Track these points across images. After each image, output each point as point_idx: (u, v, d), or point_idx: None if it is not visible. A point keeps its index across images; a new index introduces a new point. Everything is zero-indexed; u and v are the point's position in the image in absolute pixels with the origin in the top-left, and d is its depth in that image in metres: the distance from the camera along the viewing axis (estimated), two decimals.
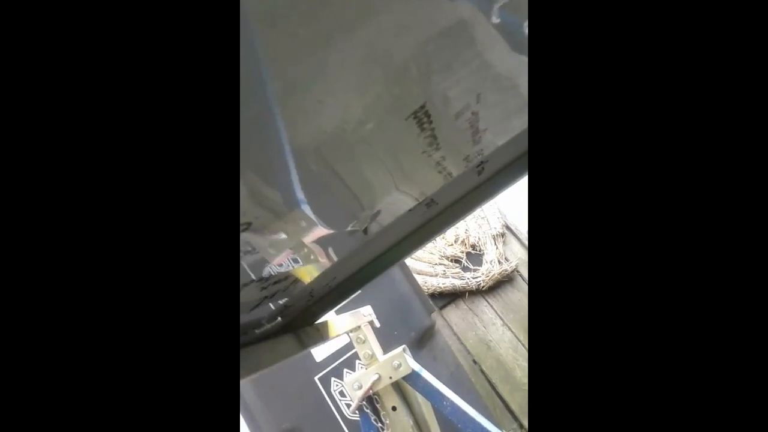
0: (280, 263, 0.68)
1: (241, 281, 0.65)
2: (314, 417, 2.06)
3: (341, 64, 0.47)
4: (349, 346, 2.09)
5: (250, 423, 2.05)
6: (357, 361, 2.11)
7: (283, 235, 0.58)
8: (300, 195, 0.57)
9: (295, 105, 0.48)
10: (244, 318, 0.85)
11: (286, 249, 0.64)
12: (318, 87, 0.47)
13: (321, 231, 0.62)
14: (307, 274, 0.81)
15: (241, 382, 0.76)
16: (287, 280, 0.76)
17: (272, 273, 0.70)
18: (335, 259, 0.79)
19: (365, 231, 0.79)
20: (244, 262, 0.60)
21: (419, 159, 0.70)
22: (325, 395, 2.13)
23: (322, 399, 2.11)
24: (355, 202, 0.69)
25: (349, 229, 0.77)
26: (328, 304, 1.08)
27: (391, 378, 1.52)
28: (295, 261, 0.72)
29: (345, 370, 2.13)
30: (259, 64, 0.39)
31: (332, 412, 2.07)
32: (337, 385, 2.18)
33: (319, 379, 2.14)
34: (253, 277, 0.65)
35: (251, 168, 0.48)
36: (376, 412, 1.55)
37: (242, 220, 0.50)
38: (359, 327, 1.43)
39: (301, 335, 1.03)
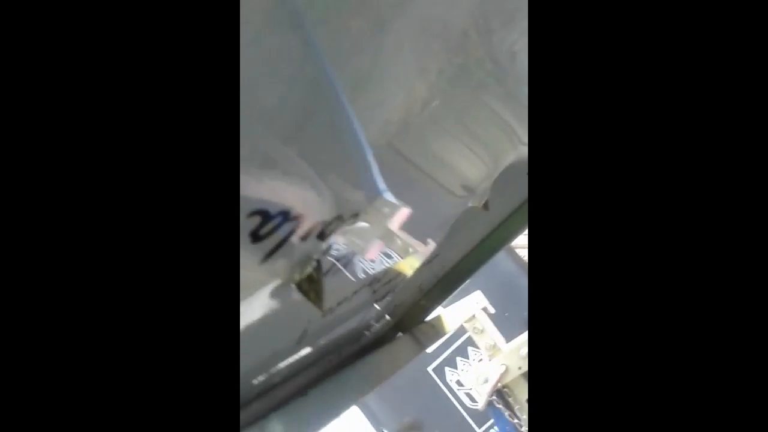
0: (373, 259, 0.67)
1: (348, 291, 0.66)
2: (434, 409, 2.03)
3: (398, 47, 0.46)
4: (458, 333, 2.04)
5: (371, 419, 2.09)
6: (470, 348, 2.05)
7: (369, 227, 0.58)
8: (381, 185, 0.56)
9: (361, 102, 0.48)
10: (354, 324, 0.86)
11: (376, 241, 0.64)
12: (381, 76, 0.46)
13: (406, 215, 0.61)
14: (409, 266, 0.81)
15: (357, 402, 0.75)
16: (392, 277, 0.76)
17: (376, 272, 0.70)
18: (434, 245, 0.78)
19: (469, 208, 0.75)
20: (348, 270, 0.61)
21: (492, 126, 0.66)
22: (441, 386, 2.10)
23: (438, 390, 2.08)
24: (436, 187, 0.68)
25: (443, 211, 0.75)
26: (439, 296, 1.05)
27: (520, 368, 1.40)
28: (390, 255, 0.72)
29: (458, 358, 2.08)
30: (323, 65, 0.40)
31: (452, 403, 2.03)
32: (452, 375, 2.13)
33: (433, 370, 2.11)
34: (363, 280, 0.65)
35: (335, 171, 0.49)
36: (508, 406, 1.44)
37: (329, 220, 0.49)
38: (473, 316, 1.37)
39: (417, 334, 1.01)
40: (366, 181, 0.54)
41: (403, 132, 0.55)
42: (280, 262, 0.46)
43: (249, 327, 0.48)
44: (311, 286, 0.51)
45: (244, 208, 0.37)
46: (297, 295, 0.50)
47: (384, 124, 0.51)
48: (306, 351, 0.70)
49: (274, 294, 0.50)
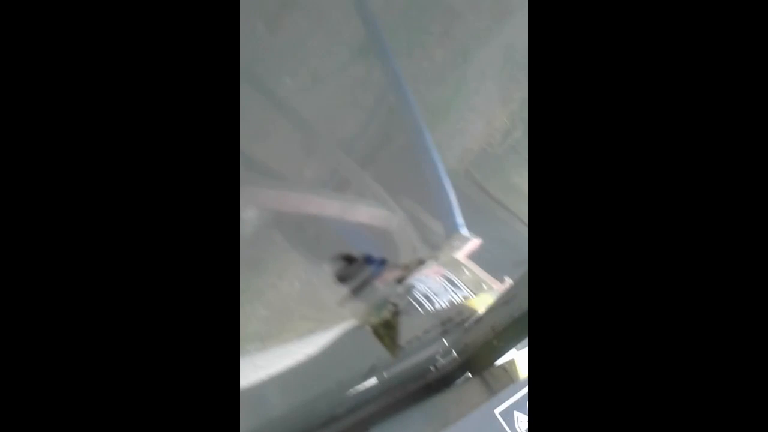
0: (447, 295, 0.64)
1: (424, 326, 0.60)
2: None
3: (481, 77, 0.45)
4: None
5: None
6: None
7: (445, 263, 0.54)
8: (459, 219, 0.53)
9: (441, 129, 0.47)
10: (420, 358, 0.81)
11: (451, 278, 0.60)
12: (461, 104, 0.46)
13: (476, 245, 0.56)
14: (482, 304, 0.76)
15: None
16: (465, 316, 0.71)
17: (448, 310, 0.66)
18: (511, 283, 0.72)
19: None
20: (422, 308, 0.55)
21: None
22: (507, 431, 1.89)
23: None
24: (516, 221, 0.63)
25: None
26: (513, 338, 0.95)
27: None
28: (461, 288, 0.68)
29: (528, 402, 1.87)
30: (405, 93, 0.41)
31: None
32: (521, 422, 1.93)
33: (500, 413, 1.93)
34: (435, 318, 0.59)
35: (411, 195, 0.48)
36: None
37: (402, 261, 0.46)
38: None
39: (488, 378, 0.91)
40: (445, 212, 0.50)
41: (482, 161, 0.53)
42: (359, 304, 0.43)
43: (320, 358, 0.46)
44: (387, 331, 0.47)
45: (331, 251, 0.35)
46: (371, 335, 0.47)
47: (463, 152, 0.50)
48: (371, 382, 0.66)
49: (350, 331, 0.47)
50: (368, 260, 0.36)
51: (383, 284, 0.40)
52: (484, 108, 0.44)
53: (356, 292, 0.36)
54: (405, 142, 0.39)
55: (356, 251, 0.40)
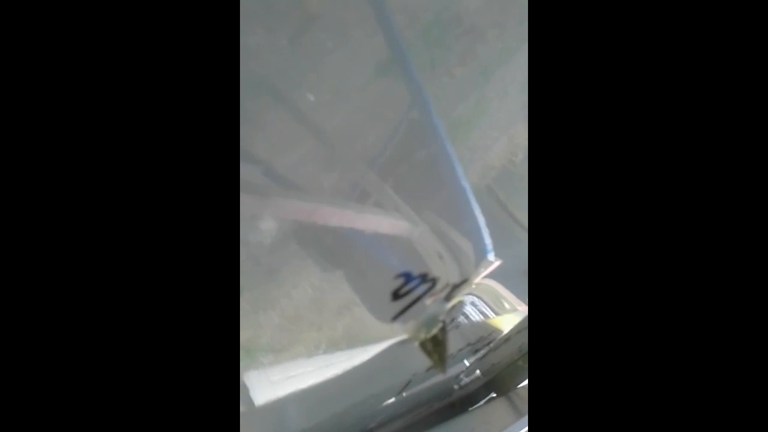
0: (477, 318, 0.64)
1: (459, 346, 0.63)
2: None
3: (503, 94, 0.45)
4: None
5: None
6: None
7: (474, 287, 0.55)
8: (488, 241, 0.54)
9: (463, 144, 0.47)
10: (445, 375, 0.81)
11: (470, 297, 0.60)
12: (483, 121, 0.46)
13: (495, 266, 0.56)
14: (506, 324, 0.75)
15: None
16: (488, 332, 0.71)
17: (476, 327, 0.66)
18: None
19: None
20: (457, 329, 0.58)
21: None
22: None
23: None
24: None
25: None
26: None
27: None
28: (483, 308, 0.67)
29: None
30: (428, 109, 0.41)
31: None
32: None
33: None
34: (470, 339, 0.62)
35: (436, 213, 0.48)
36: None
37: (446, 281, 0.48)
38: None
39: (514, 399, 0.92)
40: (473, 234, 0.52)
41: (504, 178, 0.53)
42: (410, 320, 0.48)
43: (364, 371, 0.49)
44: (435, 347, 0.54)
45: (391, 271, 0.39)
46: (411, 349, 0.51)
47: (484, 168, 0.50)
48: (398, 399, 0.68)
49: (394, 347, 0.51)
50: (423, 277, 0.38)
51: (432, 301, 0.43)
52: (506, 125, 0.43)
53: (408, 308, 0.39)
54: (427, 158, 0.39)
55: (376, 260, 0.43)
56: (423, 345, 0.48)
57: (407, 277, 0.40)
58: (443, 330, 0.49)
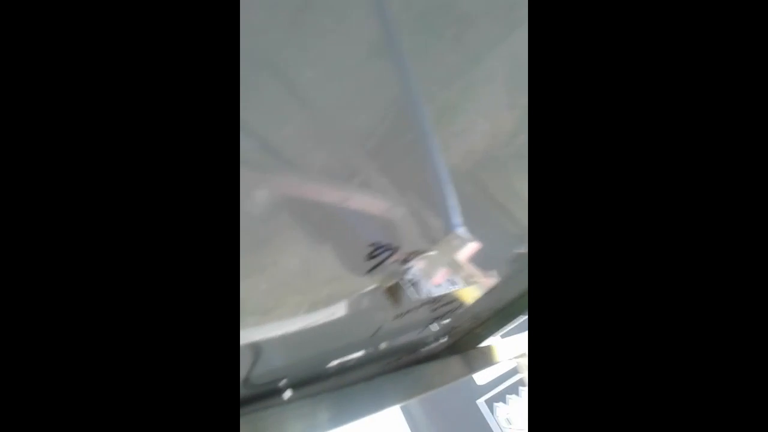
0: (438, 284, 0.68)
1: (413, 304, 0.67)
2: None
3: (489, 82, 0.46)
4: (512, 372, 1.92)
5: None
6: (520, 388, 1.91)
7: (438, 256, 0.59)
8: (456, 219, 0.57)
9: (447, 128, 0.49)
10: (413, 336, 0.86)
11: (443, 269, 0.64)
12: (468, 107, 0.47)
13: (474, 249, 0.61)
14: (470, 295, 0.79)
15: (411, 400, 0.78)
16: (453, 301, 0.75)
17: (439, 294, 0.70)
18: (498, 279, 0.75)
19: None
20: (410, 287, 0.62)
21: None
22: (488, 420, 1.98)
23: (485, 424, 1.96)
24: (509, 221, 0.66)
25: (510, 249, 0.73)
26: (494, 327, 1.01)
27: None
28: (454, 282, 0.71)
29: (508, 395, 1.94)
30: (412, 93, 0.42)
31: None
32: (502, 411, 2.00)
33: (483, 401, 2.00)
34: (423, 299, 0.66)
35: (414, 192, 0.51)
36: None
37: (406, 249, 0.52)
38: (525, 353, 1.29)
39: (468, 358, 0.99)
40: (444, 211, 0.55)
41: (486, 162, 0.55)
42: (377, 275, 0.59)
43: (344, 317, 0.54)
44: (394, 292, 0.65)
45: (367, 239, 0.44)
46: (380, 299, 0.65)
47: (467, 152, 0.52)
48: (372, 349, 0.74)
49: (366, 296, 0.62)
50: (388, 246, 0.50)
51: (392, 263, 0.56)
52: (491, 112, 0.44)
53: (375, 267, 0.52)
54: (411, 140, 0.40)
55: (359, 236, 0.48)
56: (387, 290, 0.61)
57: (377, 245, 0.50)
58: (400, 281, 0.62)
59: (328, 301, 0.55)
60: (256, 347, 0.50)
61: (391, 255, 0.53)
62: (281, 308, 0.45)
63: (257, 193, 0.29)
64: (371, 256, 0.50)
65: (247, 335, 0.47)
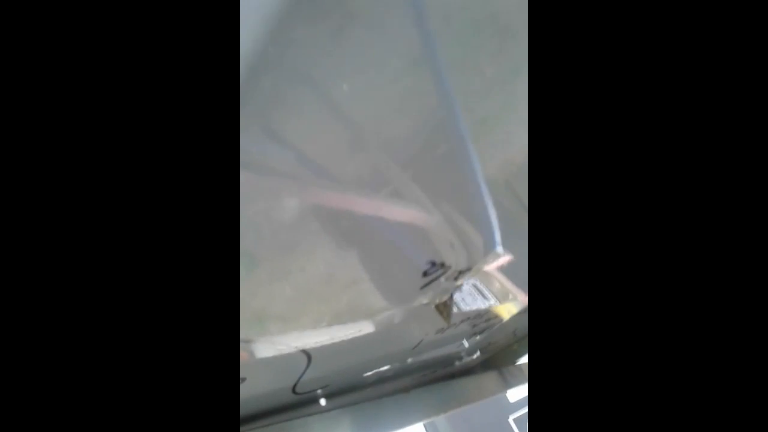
0: (479, 300, 0.67)
1: (457, 319, 0.68)
2: None
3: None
4: None
5: None
6: None
7: (481, 274, 0.59)
8: (497, 237, 0.56)
9: (486, 139, 0.48)
10: (451, 350, 0.85)
11: (484, 286, 0.63)
12: (507, 119, 0.46)
13: (506, 260, 0.59)
14: (506, 311, 0.77)
15: (438, 416, 0.78)
16: (492, 318, 0.74)
17: (480, 310, 0.69)
18: None
19: None
20: (454, 300, 0.62)
21: None
22: None
23: None
24: None
25: None
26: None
27: None
28: (493, 299, 0.69)
29: None
30: (452, 103, 0.42)
31: None
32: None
33: (514, 420, 1.93)
34: (469, 313, 0.66)
35: (455, 208, 0.50)
36: None
37: (455, 268, 0.52)
38: None
39: (505, 374, 0.96)
40: (484, 227, 0.54)
41: (523, 175, 0.54)
42: (430, 291, 0.62)
43: (390, 328, 0.56)
44: (444, 308, 0.69)
45: (424, 259, 0.46)
46: (427, 314, 0.67)
47: (504, 163, 0.50)
48: (410, 360, 0.75)
49: (417, 310, 0.66)
50: (441, 265, 0.54)
51: (446, 280, 0.60)
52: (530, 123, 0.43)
53: (430, 283, 0.56)
54: (448, 151, 0.39)
55: (390, 244, 0.48)
56: (437, 307, 0.66)
57: (432, 263, 0.53)
58: (450, 298, 0.66)
59: (376, 313, 0.56)
60: (308, 354, 0.52)
61: (444, 273, 0.56)
62: (303, 318, 0.46)
63: (286, 200, 0.30)
64: (425, 274, 0.53)
65: (299, 341, 0.49)
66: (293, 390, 0.61)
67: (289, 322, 0.45)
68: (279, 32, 0.27)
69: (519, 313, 0.78)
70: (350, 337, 0.55)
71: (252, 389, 0.53)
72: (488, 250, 0.53)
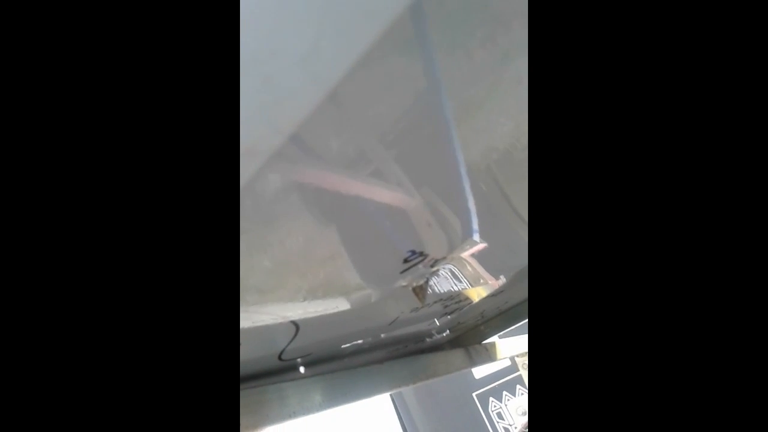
0: (453, 284, 0.69)
1: (431, 300, 0.69)
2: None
3: (516, 83, 0.45)
4: (509, 370, 1.93)
5: (410, 426, 2.06)
6: (518, 386, 1.92)
7: (456, 260, 0.60)
8: (474, 224, 0.57)
9: (469, 124, 0.48)
10: (422, 327, 0.88)
11: (459, 271, 0.65)
12: (492, 105, 0.46)
13: (480, 249, 0.61)
14: (476, 294, 0.80)
15: (407, 387, 0.81)
16: (463, 299, 0.76)
17: (450, 292, 0.72)
18: (504, 281, 0.75)
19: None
20: (429, 284, 0.64)
21: None
22: (481, 413, 2.00)
23: (478, 416, 2.00)
24: (523, 225, 0.65)
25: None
26: (497, 327, 1.03)
27: None
28: (466, 282, 0.71)
29: (504, 392, 1.96)
30: (439, 87, 0.41)
31: (488, 430, 1.93)
32: (495, 406, 2.02)
33: (477, 395, 2.02)
34: (441, 294, 0.68)
35: (434, 193, 0.50)
36: None
37: (433, 255, 0.53)
38: (526, 353, 1.29)
39: (471, 352, 1.01)
40: (462, 214, 0.55)
41: (505, 162, 0.54)
42: (408, 275, 0.65)
43: (370, 305, 0.58)
44: (420, 291, 0.72)
45: (406, 247, 0.47)
46: (403, 294, 0.70)
47: (487, 149, 0.51)
48: (384, 335, 0.78)
49: (395, 291, 0.70)
50: (421, 253, 0.55)
51: (424, 267, 0.63)
52: (515, 112, 0.43)
53: (409, 268, 0.59)
54: (431, 134, 0.39)
55: (373, 227, 0.49)
56: (413, 289, 0.69)
57: (413, 252, 0.55)
58: (426, 281, 0.70)
59: (353, 290, 0.57)
60: (296, 325, 0.53)
61: (423, 260, 0.57)
62: (281, 290, 0.46)
63: (269, 173, 0.30)
64: (406, 261, 0.55)
65: (289, 312, 0.50)
66: (279, 357, 0.63)
67: (266, 293, 0.45)
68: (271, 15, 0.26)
69: (488, 296, 0.81)
70: (329, 312, 0.56)
71: (242, 355, 0.54)
72: (465, 237, 0.54)
